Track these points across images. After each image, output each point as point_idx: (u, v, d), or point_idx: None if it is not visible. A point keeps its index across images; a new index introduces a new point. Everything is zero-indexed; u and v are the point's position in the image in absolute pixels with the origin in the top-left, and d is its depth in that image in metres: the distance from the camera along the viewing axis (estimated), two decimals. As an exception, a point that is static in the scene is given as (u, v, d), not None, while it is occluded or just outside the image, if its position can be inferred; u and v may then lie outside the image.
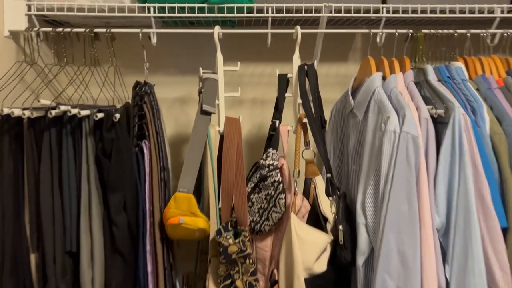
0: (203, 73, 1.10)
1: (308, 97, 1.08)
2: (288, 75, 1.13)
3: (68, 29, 1.08)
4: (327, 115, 1.19)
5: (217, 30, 1.08)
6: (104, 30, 1.10)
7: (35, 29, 1.08)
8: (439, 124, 0.97)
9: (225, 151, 1.07)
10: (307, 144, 1.14)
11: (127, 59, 1.33)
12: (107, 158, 0.98)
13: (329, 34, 1.38)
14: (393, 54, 1.14)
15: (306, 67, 1.10)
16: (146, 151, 1.04)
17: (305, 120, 1.10)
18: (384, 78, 1.07)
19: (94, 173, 0.98)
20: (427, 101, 1.00)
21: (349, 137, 1.16)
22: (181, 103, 1.43)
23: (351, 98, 1.14)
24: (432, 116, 0.97)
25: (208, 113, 1.05)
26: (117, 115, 0.96)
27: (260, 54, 1.41)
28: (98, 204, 0.99)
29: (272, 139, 1.13)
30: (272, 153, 1.09)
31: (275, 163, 1.07)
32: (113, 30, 1.11)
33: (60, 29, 1.08)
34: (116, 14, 1.10)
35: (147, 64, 1.11)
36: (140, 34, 1.09)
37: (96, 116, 0.93)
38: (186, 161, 1.01)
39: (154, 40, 1.15)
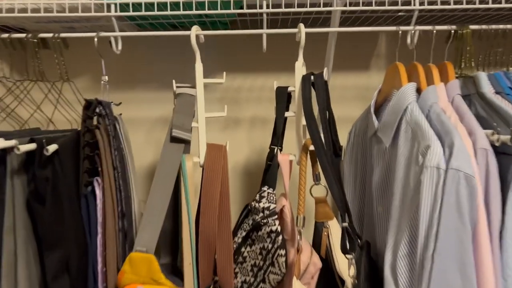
0: (177, 87, 0.84)
1: (315, 117, 0.80)
2: (290, 89, 0.86)
3: (5, 35, 0.84)
4: (343, 137, 0.91)
5: (194, 31, 0.82)
6: (51, 35, 0.85)
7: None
8: (503, 155, 0.68)
9: (205, 190, 0.80)
10: (316, 178, 0.86)
11: (97, 72, 1.09)
12: (40, 204, 0.72)
13: (345, 35, 1.11)
14: (430, 59, 0.85)
15: (312, 77, 0.82)
16: (98, 192, 0.78)
17: (312, 147, 0.82)
18: (419, 90, 0.79)
19: (24, 224, 0.73)
20: (483, 122, 0.71)
21: (372, 168, 0.87)
22: (164, 124, 1.17)
23: (374, 117, 0.86)
24: (492, 145, 0.67)
25: (181, 141, 0.79)
26: (51, 147, 0.71)
27: (261, 62, 1.14)
28: (28, 266, 0.73)
29: (268, 172, 0.86)
30: (268, 193, 0.81)
31: (272, 206, 0.80)
32: (64, 34, 0.86)
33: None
34: (67, 14, 0.86)
35: (106, 77, 0.86)
36: (96, 39, 0.84)
37: (18, 149, 0.68)
38: (147, 209, 0.74)
39: (117, 46, 0.90)
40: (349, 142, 1.01)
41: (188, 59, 1.13)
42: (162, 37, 1.14)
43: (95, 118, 0.82)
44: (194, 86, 0.84)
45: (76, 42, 1.11)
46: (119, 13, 0.86)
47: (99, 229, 0.78)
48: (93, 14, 0.86)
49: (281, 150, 0.90)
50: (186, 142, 0.80)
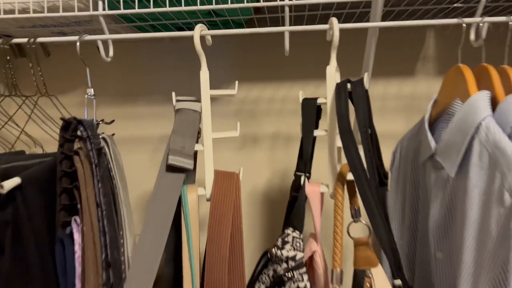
0: (177, 101, 0.67)
1: (354, 137, 0.62)
2: (319, 100, 0.67)
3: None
4: (386, 159, 0.73)
5: (198, 30, 0.65)
6: (25, 40, 0.70)
7: None
8: None
9: (212, 234, 0.62)
10: (355, 214, 0.67)
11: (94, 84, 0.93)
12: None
13: (384, 34, 0.92)
14: (505, 60, 0.65)
15: (350, 85, 0.64)
16: (76, 235, 0.62)
17: (350, 175, 0.63)
18: (494, 101, 0.59)
19: (-21, 281, 0.57)
20: None
21: (427, 202, 0.68)
22: (171, 143, 1.00)
23: (429, 135, 0.66)
24: None
25: (180, 170, 0.61)
26: (8, 183, 0.54)
27: (284, 68, 0.96)
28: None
29: (294, 207, 0.67)
30: (294, 237, 0.63)
31: (299, 255, 0.61)
32: (42, 39, 0.70)
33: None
34: (45, 14, 0.71)
35: (91, 90, 0.70)
36: (78, 44, 0.68)
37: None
38: (135, 260, 0.57)
39: (108, 53, 0.74)
40: (394, 166, 0.81)
41: (198, 67, 0.96)
42: (166, 41, 0.98)
43: (76, 141, 0.66)
44: (199, 100, 0.67)
45: (68, 49, 0.97)
46: (107, 12, 0.70)
47: (77, 284, 0.61)
48: (76, 13, 0.70)
49: (309, 177, 0.71)
50: (187, 171, 0.62)
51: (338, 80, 0.66)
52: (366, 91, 0.63)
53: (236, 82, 0.69)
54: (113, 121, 0.77)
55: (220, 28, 0.92)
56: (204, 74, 0.66)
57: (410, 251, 0.76)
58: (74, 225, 0.63)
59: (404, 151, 0.79)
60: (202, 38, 0.67)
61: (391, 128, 0.93)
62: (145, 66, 0.99)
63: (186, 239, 0.64)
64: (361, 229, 0.69)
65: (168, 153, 0.61)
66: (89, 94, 0.70)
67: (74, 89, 1.00)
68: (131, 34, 0.71)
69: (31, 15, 0.71)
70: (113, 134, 0.78)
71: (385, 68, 0.93)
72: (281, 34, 0.72)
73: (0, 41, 0.69)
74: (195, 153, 0.69)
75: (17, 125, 0.79)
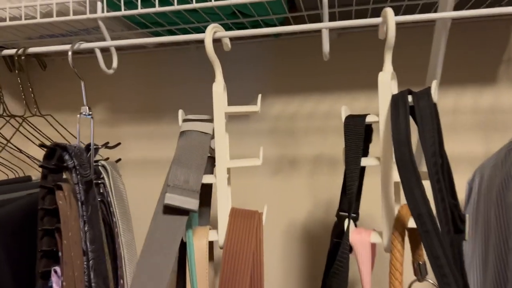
0: (184, 120, 0.53)
1: (418, 168, 0.44)
2: (369, 119, 0.50)
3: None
4: (460, 189, 0.54)
5: (211, 31, 0.51)
6: (13, 51, 0.59)
7: None
8: None
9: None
10: (420, 270, 0.50)
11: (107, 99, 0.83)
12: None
13: (460, 27, 0.73)
14: None
15: (411, 97, 0.46)
16: (56, 291, 0.49)
17: (412, 221, 0.46)
18: None
19: None
20: None
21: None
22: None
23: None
24: None
25: (181, 211, 0.47)
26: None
27: (326, 77, 0.80)
28: None
29: (336, 260, 0.50)
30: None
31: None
32: (33, 49, 0.60)
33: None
34: (38, 20, 0.60)
35: (86, 108, 0.57)
36: (70, 53, 0.56)
37: None
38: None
39: (112, 63, 0.62)
40: (470, 202, 0.62)
41: (230, 79, 0.83)
42: (192, 49, 0.85)
43: (67, 171, 0.54)
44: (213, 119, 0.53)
45: (88, 61, 0.87)
46: (105, 14, 0.58)
47: None
48: (71, 18, 0.59)
49: (356, 220, 0.54)
50: (189, 213, 0.48)
51: (395, 91, 0.49)
52: (435, 105, 0.46)
53: (259, 95, 0.54)
54: (118, 144, 0.65)
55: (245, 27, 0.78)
56: (218, 86, 0.52)
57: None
58: (54, 278, 0.50)
59: (485, 183, 0.60)
60: (220, 43, 0.53)
61: (465, 150, 0.73)
62: (170, 78, 0.87)
63: (192, 300, 0.49)
64: (428, 291, 0.51)
65: (164, 188, 0.47)
66: (83, 112, 0.57)
67: (99, 102, 0.90)
68: (131, 40, 0.58)
69: (23, 22, 0.60)
70: (118, 160, 0.65)
71: (457, 74, 0.74)
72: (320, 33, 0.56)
73: (-12, 53, 0.59)
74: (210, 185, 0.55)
75: (16, 147, 0.69)
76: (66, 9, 0.60)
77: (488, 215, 0.58)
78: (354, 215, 0.56)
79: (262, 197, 0.84)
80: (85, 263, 0.50)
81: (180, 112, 0.54)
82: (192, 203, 0.47)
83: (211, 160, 0.54)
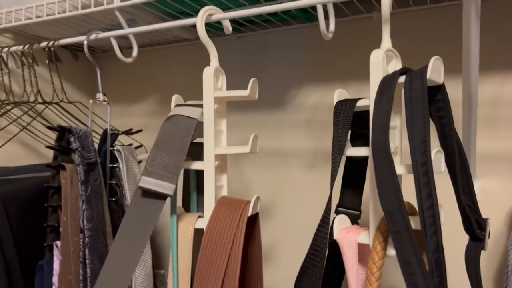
0: (175, 106, 0.53)
1: (393, 160, 0.38)
2: (360, 103, 0.44)
3: None
4: (497, 196, 0.45)
5: (203, 14, 0.50)
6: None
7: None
8: None
9: (197, 283, 0.46)
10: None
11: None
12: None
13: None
14: None
15: (403, 78, 0.40)
16: (56, 264, 0.53)
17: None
18: None
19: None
20: None
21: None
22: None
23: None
24: None
25: (158, 196, 0.47)
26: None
27: (366, 67, 0.73)
28: None
29: (306, 255, 0.45)
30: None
31: None
32: (65, 41, 0.65)
33: None
34: (55, 16, 0.65)
35: (101, 95, 0.61)
36: (85, 42, 0.60)
37: None
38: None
39: (132, 53, 0.64)
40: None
41: (262, 69, 0.81)
42: (232, 38, 0.85)
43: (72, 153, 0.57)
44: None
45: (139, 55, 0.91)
46: (119, 4, 0.61)
47: (50, 323, 0.52)
48: (89, 10, 0.63)
49: (358, 217, 0.49)
50: (166, 198, 0.47)
51: (390, 70, 0.43)
52: (443, 86, 0.39)
53: (252, 80, 0.51)
54: (140, 130, 0.68)
55: (282, 21, 0.75)
56: (209, 70, 0.51)
57: None
58: (55, 252, 0.54)
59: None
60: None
61: (505, 148, 0.61)
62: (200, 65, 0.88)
63: (172, 285, 0.49)
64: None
65: (144, 171, 0.47)
66: (99, 99, 0.61)
67: (150, 95, 0.95)
68: (144, 27, 0.60)
69: (39, 19, 0.66)
70: (139, 146, 0.68)
71: (498, 59, 0.62)
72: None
73: (27, 47, 0.66)
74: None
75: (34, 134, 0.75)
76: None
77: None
78: (357, 212, 0.50)
79: (296, 191, 0.80)
80: (81, 240, 0.53)
81: (174, 97, 0.54)
82: (167, 187, 0.46)
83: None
